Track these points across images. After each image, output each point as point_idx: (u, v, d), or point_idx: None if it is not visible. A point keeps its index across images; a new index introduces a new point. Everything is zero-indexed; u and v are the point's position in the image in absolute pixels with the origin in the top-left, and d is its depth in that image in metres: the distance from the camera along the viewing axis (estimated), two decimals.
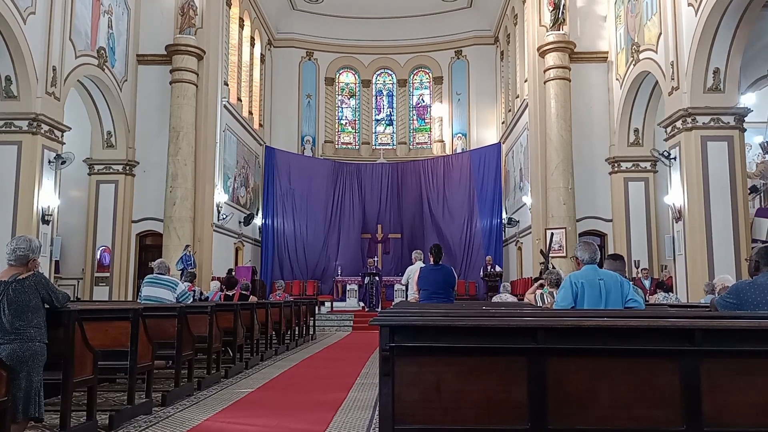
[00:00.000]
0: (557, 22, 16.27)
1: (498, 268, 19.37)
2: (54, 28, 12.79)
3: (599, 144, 16.46)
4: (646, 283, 13.68)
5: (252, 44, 21.79)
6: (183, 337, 6.42)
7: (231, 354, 8.69)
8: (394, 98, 25.79)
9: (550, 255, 14.93)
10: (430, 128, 25.46)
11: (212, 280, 13.98)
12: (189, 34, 16.53)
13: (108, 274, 16.20)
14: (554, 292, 7.51)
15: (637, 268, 15.01)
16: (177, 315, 6.40)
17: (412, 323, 2.84)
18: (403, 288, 12.88)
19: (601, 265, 4.79)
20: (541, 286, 8.25)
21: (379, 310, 15.65)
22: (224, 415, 5.48)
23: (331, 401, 6.07)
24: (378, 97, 25.96)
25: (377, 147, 25.37)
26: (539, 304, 7.51)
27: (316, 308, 16.88)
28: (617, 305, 4.52)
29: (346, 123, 25.78)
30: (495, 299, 11.09)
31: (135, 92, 16.77)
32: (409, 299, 9.17)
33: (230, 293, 10.34)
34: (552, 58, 16.33)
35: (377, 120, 25.90)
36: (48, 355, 4.12)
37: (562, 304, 4.64)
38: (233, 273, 15.45)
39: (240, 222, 19.89)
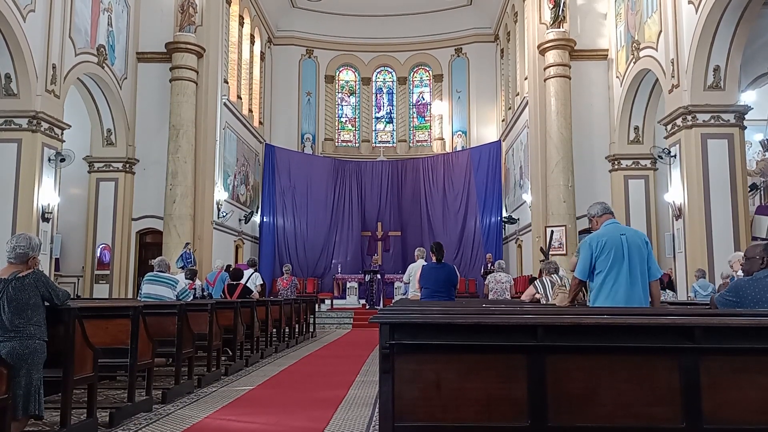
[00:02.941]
0: (557, 20, 16.25)
1: None
2: (54, 25, 12.77)
3: (599, 142, 16.46)
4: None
5: (252, 42, 21.77)
6: (183, 335, 6.43)
7: (231, 352, 8.70)
8: (394, 96, 25.76)
9: (551, 253, 14.92)
10: (430, 126, 25.43)
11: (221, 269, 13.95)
12: (189, 32, 16.51)
13: (108, 272, 16.20)
14: (551, 278, 7.56)
15: None
16: (177, 313, 6.40)
17: (412, 321, 2.84)
18: (403, 285, 12.87)
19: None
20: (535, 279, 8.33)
21: (380, 307, 15.66)
22: (224, 412, 5.49)
23: (331, 398, 6.08)
24: (378, 95, 25.93)
25: (377, 145, 25.36)
26: (541, 292, 7.51)
27: (316, 306, 16.88)
28: (641, 266, 4.40)
29: (346, 121, 25.76)
30: (489, 279, 11.05)
31: (135, 90, 16.75)
32: (409, 297, 9.18)
33: (234, 283, 10.47)
34: (552, 56, 16.31)
35: (377, 118, 25.88)
36: (48, 353, 4.12)
37: (579, 275, 4.58)
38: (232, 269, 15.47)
39: (240, 220, 19.89)
